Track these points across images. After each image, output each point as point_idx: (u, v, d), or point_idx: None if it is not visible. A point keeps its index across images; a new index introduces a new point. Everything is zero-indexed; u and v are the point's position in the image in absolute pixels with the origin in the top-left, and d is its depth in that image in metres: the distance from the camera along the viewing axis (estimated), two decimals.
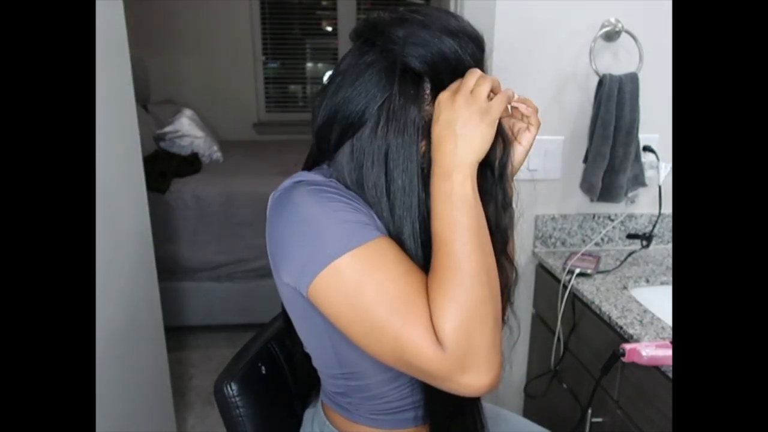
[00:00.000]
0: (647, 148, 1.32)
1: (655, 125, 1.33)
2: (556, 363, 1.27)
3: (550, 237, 1.41)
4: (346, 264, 0.59)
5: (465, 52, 0.65)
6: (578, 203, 1.41)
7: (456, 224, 0.60)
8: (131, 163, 1.36)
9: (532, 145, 0.77)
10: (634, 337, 0.97)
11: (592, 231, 1.42)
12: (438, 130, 0.63)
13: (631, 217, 1.42)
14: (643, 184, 1.34)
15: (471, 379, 0.57)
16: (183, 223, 2.31)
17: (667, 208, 1.38)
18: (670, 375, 0.89)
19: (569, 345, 1.24)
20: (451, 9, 1.34)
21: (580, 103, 1.33)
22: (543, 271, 1.39)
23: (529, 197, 1.38)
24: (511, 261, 0.91)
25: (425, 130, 0.66)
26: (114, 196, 1.25)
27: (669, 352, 0.87)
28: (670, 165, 1.26)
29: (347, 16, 3.87)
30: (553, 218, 1.39)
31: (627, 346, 0.90)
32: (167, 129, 2.80)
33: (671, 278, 1.24)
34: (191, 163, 2.63)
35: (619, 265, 1.28)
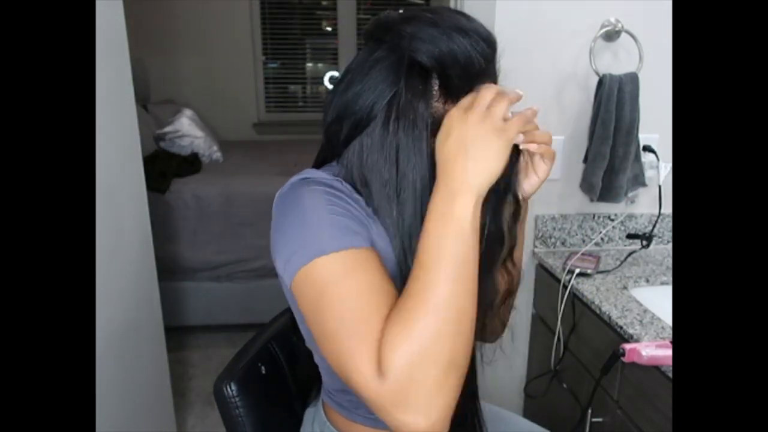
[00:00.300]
0: (647, 148, 1.32)
1: (655, 125, 1.33)
2: (556, 363, 1.27)
3: (550, 237, 1.41)
4: (324, 264, 0.58)
5: (475, 51, 0.64)
6: (578, 203, 1.41)
7: (440, 249, 0.56)
8: (131, 163, 1.36)
9: (548, 176, 0.75)
10: (634, 337, 0.97)
11: (592, 231, 1.42)
12: (447, 149, 0.60)
13: (631, 217, 1.42)
14: (643, 184, 1.34)
15: (406, 416, 0.50)
16: (183, 223, 2.31)
17: (667, 208, 1.38)
18: (670, 375, 0.89)
19: (569, 345, 1.24)
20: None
21: (580, 103, 1.33)
22: (543, 271, 1.39)
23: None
24: (516, 266, 0.91)
25: (434, 127, 0.65)
26: (114, 196, 1.25)
27: (669, 352, 0.87)
28: (670, 165, 1.26)
29: (347, 16, 3.87)
30: (553, 218, 1.39)
31: (627, 346, 0.90)
32: (167, 129, 2.80)
33: (671, 278, 1.24)
34: (191, 163, 2.63)
35: (619, 265, 1.28)
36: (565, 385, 1.26)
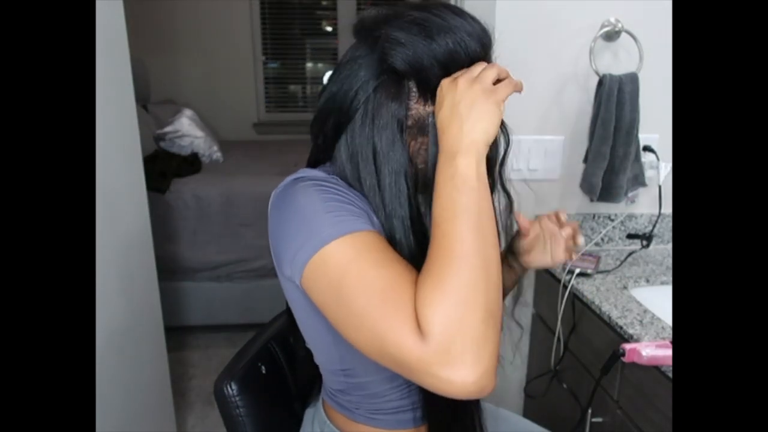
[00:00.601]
0: (647, 148, 1.32)
1: (655, 125, 1.33)
2: (556, 363, 1.27)
3: None
4: (332, 251, 0.57)
5: (462, 50, 0.64)
6: (578, 203, 1.41)
7: (453, 205, 0.57)
8: (131, 163, 1.36)
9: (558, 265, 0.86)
10: (634, 337, 0.97)
11: (592, 231, 1.42)
12: (441, 115, 0.62)
13: (631, 217, 1.42)
14: (643, 184, 1.34)
15: (454, 373, 0.50)
16: (183, 223, 2.31)
17: (667, 208, 1.38)
18: (670, 375, 0.89)
19: (569, 345, 1.24)
20: None
21: (580, 103, 1.33)
22: (543, 271, 1.39)
23: (529, 197, 1.38)
24: (511, 269, 0.92)
25: (418, 129, 0.66)
26: (114, 196, 1.26)
27: (669, 352, 0.87)
28: (670, 165, 1.27)
29: (347, 16, 3.87)
30: None
31: (627, 346, 0.90)
32: (167, 129, 2.80)
33: (671, 278, 1.24)
34: (191, 163, 2.63)
35: (619, 265, 1.28)
36: (565, 385, 1.26)
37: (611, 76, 1.23)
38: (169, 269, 2.27)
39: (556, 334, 1.25)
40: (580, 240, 0.86)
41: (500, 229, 0.73)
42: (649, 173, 1.35)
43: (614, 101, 1.23)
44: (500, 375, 1.54)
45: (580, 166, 1.35)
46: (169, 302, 2.14)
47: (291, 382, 0.92)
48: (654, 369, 0.94)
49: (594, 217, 1.41)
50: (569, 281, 1.20)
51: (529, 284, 1.44)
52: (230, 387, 0.81)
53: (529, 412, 1.52)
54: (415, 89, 0.65)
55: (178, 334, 2.37)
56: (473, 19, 0.66)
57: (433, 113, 0.64)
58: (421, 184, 0.67)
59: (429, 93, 0.65)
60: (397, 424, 0.76)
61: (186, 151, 2.77)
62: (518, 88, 0.65)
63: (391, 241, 0.64)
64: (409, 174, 0.65)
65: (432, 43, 0.63)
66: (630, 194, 1.36)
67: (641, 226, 1.43)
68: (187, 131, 2.82)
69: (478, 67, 0.63)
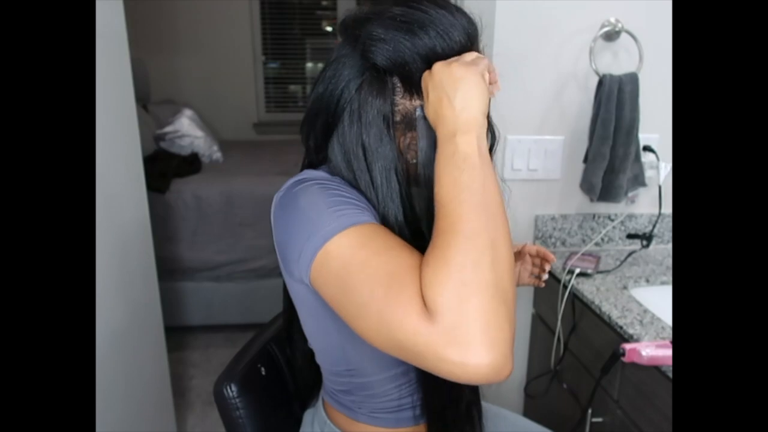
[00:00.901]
0: (647, 148, 1.32)
1: (655, 125, 1.33)
2: (556, 363, 1.27)
3: (550, 237, 1.41)
4: (336, 245, 0.57)
5: (444, 44, 0.63)
6: (578, 203, 1.41)
7: (455, 183, 0.55)
8: (131, 163, 1.36)
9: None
10: (634, 337, 0.97)
11: (592, 231, 1.42)
12: (431, 104, 0.61)
13: (631, 217, 1.42)
14: (643, 184, 1.34)
15: (466, 355, 0.47)
16: (183, 223, 2.31)
17: (667, 208, 1.38)
18: (670, 375, 0.89)
19: (569, 345, 1.24)
20: None
21: (580, 103, 1.33)
22: None
23: (529, 197, 1.38)
24: None
25: (407, 124, 0.66)
26: (114, 196, 1.26)
27: (669, 352, 0.87)
28: (670, 165, 1.26)
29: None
30: (553, 218, 1.39)
31: (627, 346, 0.90)
32: (167, 129, 2.80)
33: (671, 278, 1.24)
34: (191, 163, 2.63)
35: (619, 265, 1.28)
36: (565, 385, 1.26)
37: (611, 76, 1.23)
38: (169, 269, 2.27)
39: (556, 334, 1.25)
40: (544, 276, 0.98)
41: None
42: (649, 173, 1.35)
43: (614, 101, 1.23)
44: None
45: (580, 166, 1.35)
46: (169, 302, 2.14)
47: (290, 383, 0.92)
48: (654, 369, 0.94)
49: (594, 217, 1.41)
50: (569, 281, 1.20)
51: None
52: (230, 388, 0.81)
53: (529, 412, 1.52)
54: (399, 84, 0.65)
55: (178, 334, 2.37)
56: (458, 10, 0.65)
57: (421, 107, 0.65)
58: (413, 179, 0.67)
59: (414, 87, 0.65)
60: (398, 422, 0.76)
61: (186, 151, 2.78)
62: (491, 68, 0.64)
63: None
64: (399, 169, 0.65)
65: (413, 37, 0.62)
66: (630, 194, 1.36)
67: (641, 226, 1.43)
68: (187, 131, 2.82)
69: (455, 57, 0.63)
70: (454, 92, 0.59)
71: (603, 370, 0.97)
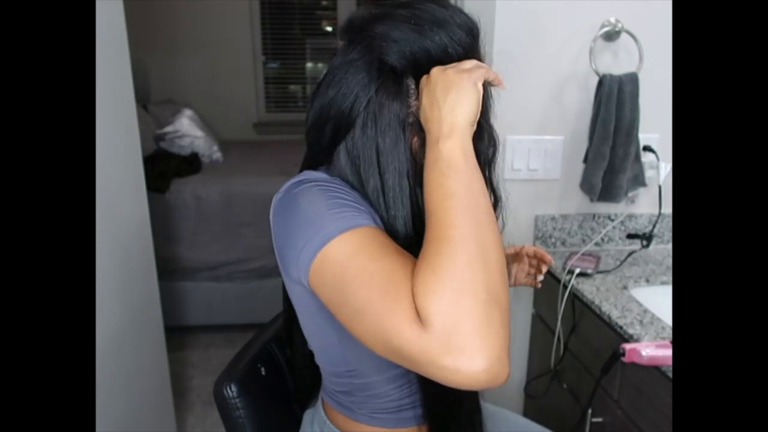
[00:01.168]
0: (647, 148, 1.32)
1: (655, 125, 1.33)
2: (556, 363, 1.27)
3: (550, 237, 1.41)
4: (334, 248, 0.57)
5: (452, 42, 0.64)
6: (578, 203, 1.41)
7: (441, 190, 0.56)
8: (131, 163, 1.36)
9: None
10: (634, 337, 0.97)
11: (592, 231, 1.42)
12: (422, 108, 0.62)
13: (631, 217, 1.42)
14: (643, 184, 1.34)
15: (460, 361, 0.47)
16: (183, 223, 2.31)
17: (667, 208, 1.38)
18: (670, 375, 0.89)
19: (569, 345, 1.23)
20: None
21: (580, 103, 1.33)
22: None
23: (529, 197, 1.38)
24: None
25: (416, 126, 0.65)
26: (114, 196, 1.26)
27: (669, 352, 0.87)
28: (670, 165, 1.26)
29: (347, 15, 3.86)
30: (553, 218, 1.39)
31: (627, 346, 0.90)
32: (167, 129, 2.80)
33: (671, 278, 1.24)
34: (191, 163, 2.63)
35: (619, 265, 1.28)
36: (565, 385, 1.26)
37: (611, 76, 1.23)
38: (169, 269, 2.27)
39: (556, 334, 1.25)
40: (540, 277, 1.00)
41: None
42: (649, 173, 1.35)
43: (614, 101, 1.23)
44: None
45: (580, 166, 1.35)
46: (169, 302, 2.14)
47: (290, 383, 0.92)
48: (654, 369, 0.94)
49: (594, 217, 1.41)
50: (569, 281, 1.20)
51: None
52: (230, 389, 0.81)
53: (529, 412, 1.52)
54: (413, 86, 0.65)
55: (178, 334, 2.37)
56: (459, 10, 0.66)
57: None
58: (420, 179, 0.67)
59: None
60: (398, 422, 0.76)
61: (186, 151, 2.77)
62: (493, 77, 0.65)
63: (395, 239, 0.64)
64: (411, 172, 0.65)
65: (426, 38, 0.63)
66: (630, 194, 1.36)
67: (641, 226, 1.43)
68: (187, 131, 2.82)
69: (455, 63, 0.64)
70: (444, 97, 0.59)
71: (603, 370, 0.97)
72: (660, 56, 1.28)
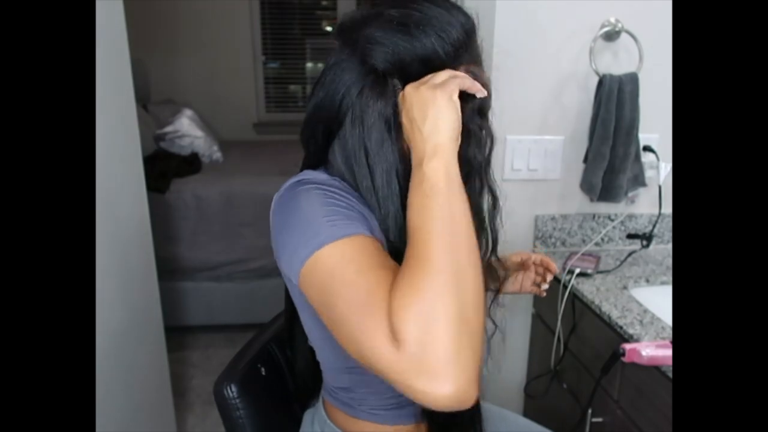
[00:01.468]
0: (647, 148, 1.32)
1: (655, 125, 1.33)
2: (556, 363, 1.27)
3: (550, 237, 1.41)
4: (323, 255, 0.58)
5: (443, 42, 0.63)
6: (578, 203, 1.41)
7: (423, 211, 0.56)
8: (131, 163, 1.36)
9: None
10: (634, 337, 0.97)
11: (592, 231, 1.42)
12: (404, 128, 0.63)
13: (631, 217, 1.42)
14: (643, 184, 1.34)
15: (429, 384, 0.48)
16: (183, 223, 2.31)
17: (667, 208, 1.38)
18: (670, 375, 0.89)
19: (569, 345, 1.24)
20: None
21: (580, 103, 1.33)
22: None
23: (529, 197, 1.38)
24: (503, 265, 0.92)
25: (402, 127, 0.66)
26: (114, 196, 1.26)
27: (669, 352, 0.87)
28: (670, 165, 1.26)
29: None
30: (553, 218, 1.39)
31: (627, 346, 0.90)
32: (167, 129, 2.80)
33: (671, 278, 1.24)
34: (191, 163, 2.63)
35: (619, 265, 1.28)
36: (565, 385, 1.26)
37: (611, 76, 1.23)
38: (169, 269, 2.27)
39: (556, 334, 1.25)
40: (545, 286, 1.00)
41: (487, 228, 0.73)
42: (649, 173, 1.35)
43: (614, 101, 1.23)
44: (500, 375, 1.54)
45: (580, 166, 1.35)
46: (169, 302, 2.13)
47: (290, 383, 0.92)
48: (654, 369, 0.94)
49: (594, 217, 1.41)
50: (569, 281, 1.20)
51: None
52: (230, 389, 0.81)
53: (529, 412, 1.52)
54: (400, 86, 0.65)
55: (178, 334, 2.37)
56: (454, 6, 0.65)
57: None
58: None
59: None
60: (398, 419, 0.76)
61: (186, 151, 2.77)
62: (469, 85, 0.63)
63: (388, 238, 0.65)
64: (400, 172, 0.65)
65: (412, 39, 0.63)
66: (630, 194, 1.36)
67: (641, 226, 1.43)
68: (187, 131, 2.82)
69: (429, 76, 0.63)
70: (423, 118, 0.59)
71: (603, 370, 0.97)
72: (660, 56, 1.28)
